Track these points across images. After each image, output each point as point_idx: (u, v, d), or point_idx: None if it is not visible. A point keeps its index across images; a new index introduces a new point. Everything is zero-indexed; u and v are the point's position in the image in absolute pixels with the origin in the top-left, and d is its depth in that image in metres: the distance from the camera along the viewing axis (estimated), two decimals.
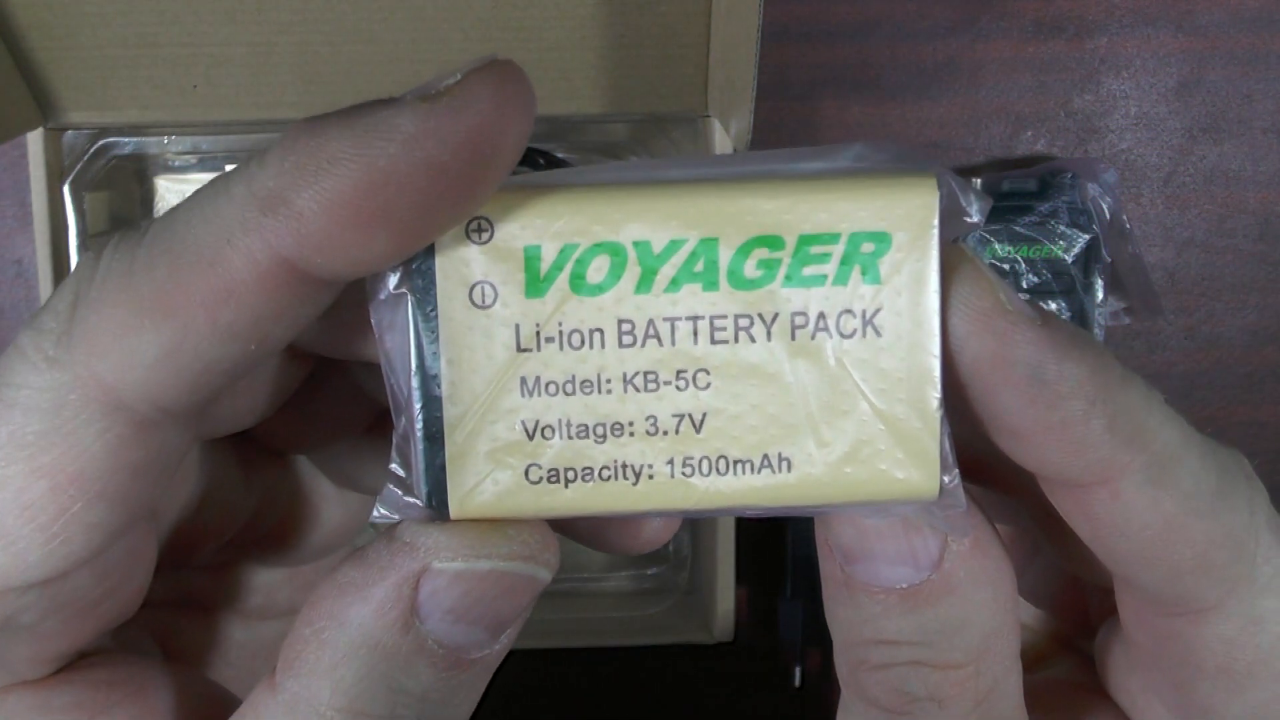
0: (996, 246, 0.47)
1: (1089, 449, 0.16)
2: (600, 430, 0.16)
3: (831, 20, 0.49)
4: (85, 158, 0.45)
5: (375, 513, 0.16)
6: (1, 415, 0.15)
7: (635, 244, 0.15)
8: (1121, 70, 0.50)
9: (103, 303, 0.15)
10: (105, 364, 0.15)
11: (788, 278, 0.15)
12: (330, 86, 0.43)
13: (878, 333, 0.16)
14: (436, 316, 0.16)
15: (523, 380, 0.16)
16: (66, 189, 0.45)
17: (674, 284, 0.15)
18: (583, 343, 0.15)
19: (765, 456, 0.16)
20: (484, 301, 0.16)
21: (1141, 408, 0.17)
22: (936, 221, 0.16)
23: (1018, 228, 0.46)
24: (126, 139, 0.46)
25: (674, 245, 0.15)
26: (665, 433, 0.16)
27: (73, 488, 0.16)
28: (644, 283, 0.15)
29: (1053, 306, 0.47)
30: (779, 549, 0.49)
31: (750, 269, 0.16)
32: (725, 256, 0.15)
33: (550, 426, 0.16)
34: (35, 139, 0.44)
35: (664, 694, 0.53)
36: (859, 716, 0.18)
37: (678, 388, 0.16)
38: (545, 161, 0.44)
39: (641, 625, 0.49)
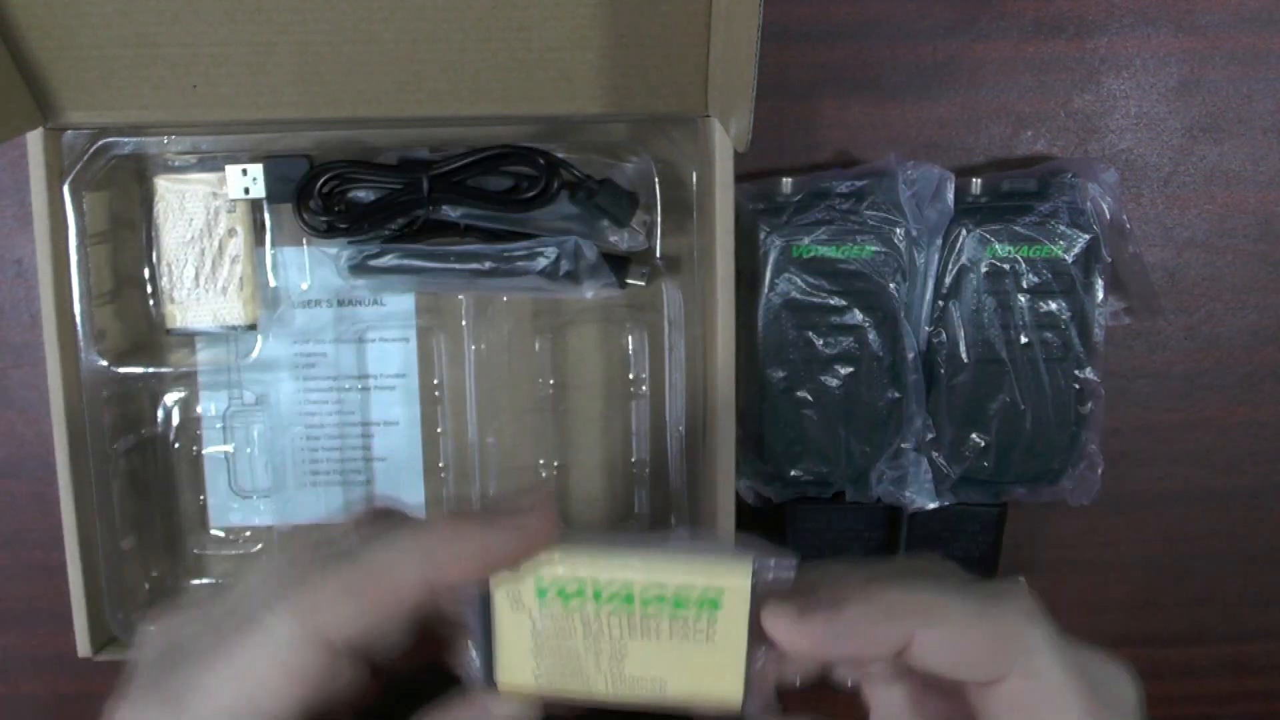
0: (997, 246, 0.47)
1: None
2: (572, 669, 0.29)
3: (831, 20, 0.49)
4: (85, 157, 0.45)
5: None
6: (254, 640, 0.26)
7: (593, 583, 0.28)
8: (1121, 70, 0.50)
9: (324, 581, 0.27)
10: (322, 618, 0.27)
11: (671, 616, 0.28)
12: (330, 86, 0.43)
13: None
14: (491, 613, 0.28)
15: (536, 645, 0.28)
16: (66, 189, 0.45)
17: (610, 601, 0.28)
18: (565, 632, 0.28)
19: (657, 683, 0.29)
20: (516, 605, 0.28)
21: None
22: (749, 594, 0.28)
23: (1018, 228, 0.46)
24: (126, 139, 0.46)
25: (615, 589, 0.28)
26: (606, 675, 0.29)
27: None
28: (595, 598, 0.28)
29: (1053, 306, 0.47)
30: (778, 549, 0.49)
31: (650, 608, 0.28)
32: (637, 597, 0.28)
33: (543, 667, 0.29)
34: (35, 139, 0.44)
35: None
36: None
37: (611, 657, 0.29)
38: (545, 161, 0.44)
39: None
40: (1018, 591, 0.28)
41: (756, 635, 0.28)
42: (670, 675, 0.28)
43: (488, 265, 0.46)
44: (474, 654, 0.29)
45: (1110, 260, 0.47)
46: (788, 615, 0.27)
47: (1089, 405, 0.48)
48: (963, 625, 0.27)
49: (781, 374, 0.47)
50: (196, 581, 0.51)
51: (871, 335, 0.47)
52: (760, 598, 0.27)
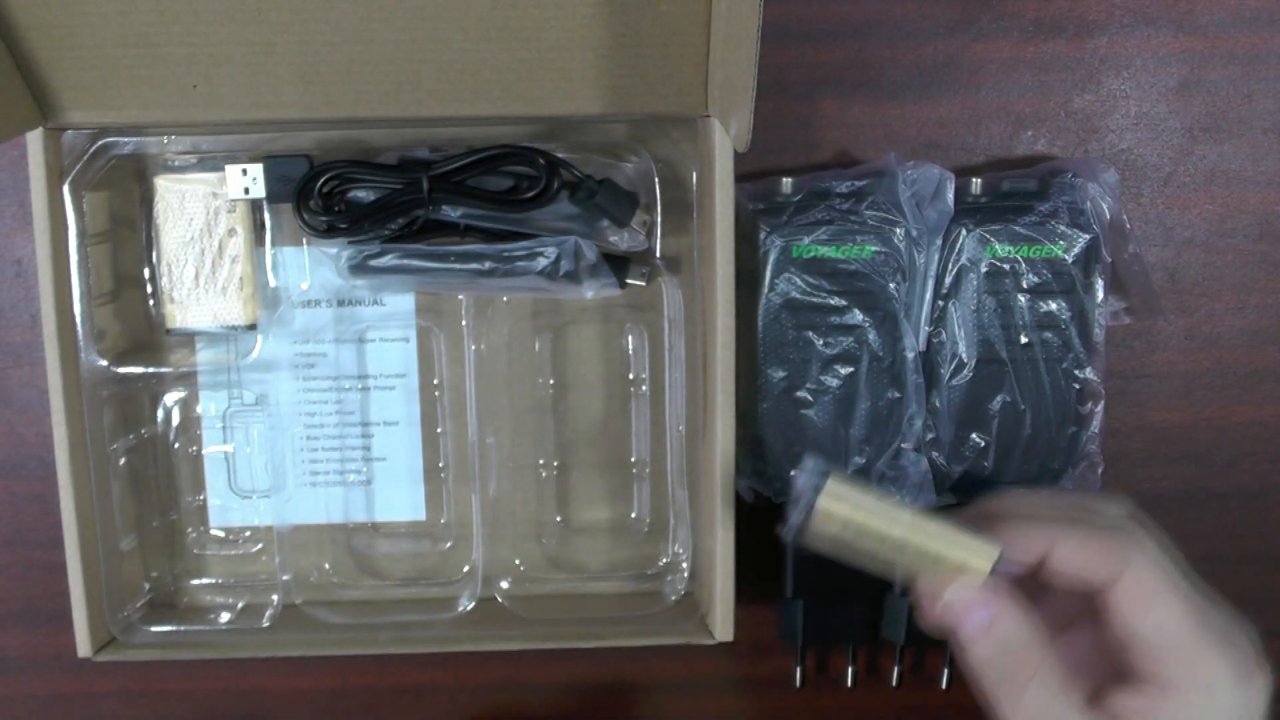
0: (996, 246, 0.46)
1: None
2: None
3: (831, 20, 0.49)
4: (85, 157, 0.45)
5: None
6: None
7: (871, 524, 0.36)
8: (1121, 70, 0.50)
9: None
10: None
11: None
12: (329, 86, 0.43)
13: None
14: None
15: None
16: (66, 189, 0.45)
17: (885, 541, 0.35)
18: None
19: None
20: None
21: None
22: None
23: (1018, 228, 0.46)
24: (126, 139, 0.46)
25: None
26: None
27: None
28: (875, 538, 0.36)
29: (1053, 306, 0.47)
30: (779, 549, 0.49)
31: None
32: None
33: None
34: (35, 139, 0.44)
35: (665, 694, 0.53)
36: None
37: None
38: (545, 161, 0.44)
39: (641, 625, 0.49)
40: (1133, 512, 0.36)
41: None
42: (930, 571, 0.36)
43: (488, 265, 0.46)
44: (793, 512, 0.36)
45: (1110, 260, 0.47)
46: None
47: (1089, 405, 0.48)
48: (1082, 540, 0.34)
49: (781, 374, 0.47)
50: (196, 582, 0.51)
51: (871, 335, 0.47)
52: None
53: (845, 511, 0.35)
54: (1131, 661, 0.34)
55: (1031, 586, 0.36)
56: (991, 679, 0.35)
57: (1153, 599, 0.33)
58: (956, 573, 0.35)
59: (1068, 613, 0.37)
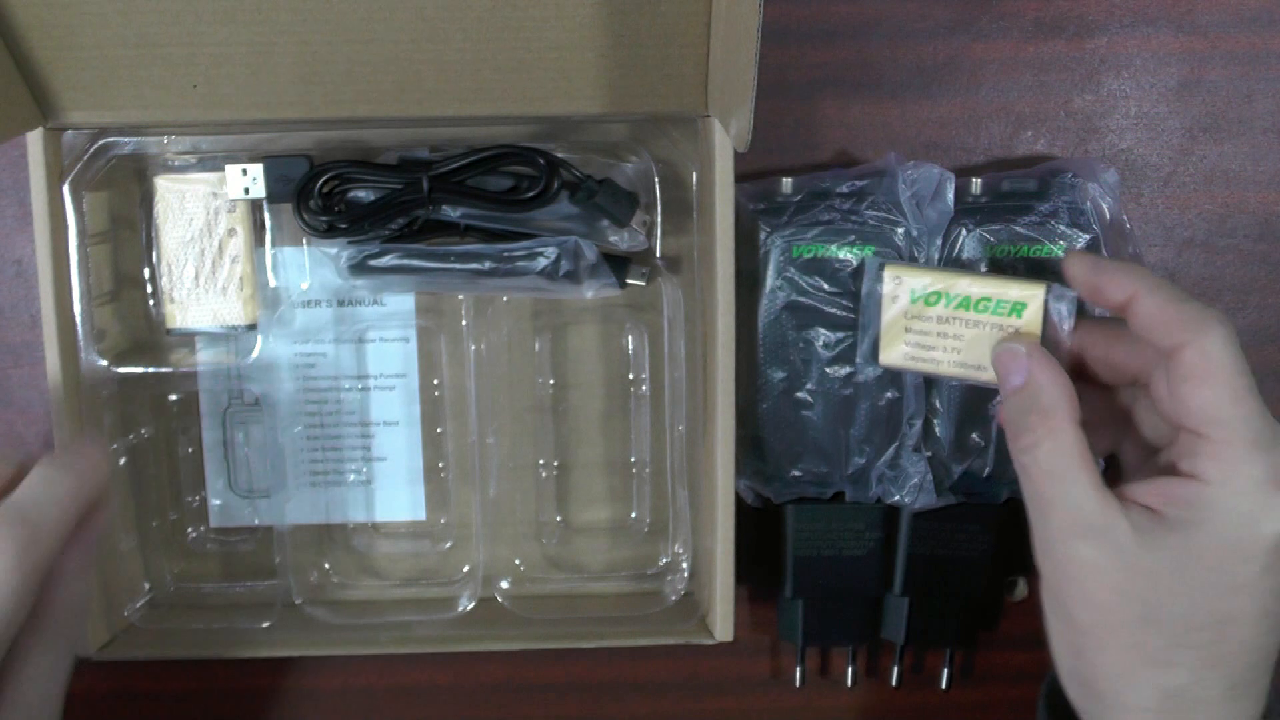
0: (996, 246, 0.46)
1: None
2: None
3: (831, 20, 0.49)
4: (85, 157, 0.45)
5: None
6: None
7: (945, 290, 0.41)
8: (1121, 70, 0.50)
9: None
10: None
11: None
12: (330, 86, 0.43)
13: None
14: (880, 308, 0.43)
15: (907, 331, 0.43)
16: (66, 189, 0.45)
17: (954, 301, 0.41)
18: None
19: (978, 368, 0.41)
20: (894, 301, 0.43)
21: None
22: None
23: (1018, 228, 0.46)
24: (126, 138, 0.46)
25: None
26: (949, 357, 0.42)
27: None
28: (946, 301, 0.42)
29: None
30: (779, 549, 0.49)
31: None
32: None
33: None
34: (35, 139, 0.44)
35: (665, 694, 0.53)
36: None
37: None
38: (545, 161, 0.44)
39: (641, 625, 0.49)
40: (1214, 309, 0.35)
41: (1046, 333, 0.40)
42: (987, 359, 0.40)
43: (488, 265, 0.45)
44: (864, 340, 0.44)
45: None
46: (1078, 254, 0.38)
47: None
48: (1173, 298, 0.35)
49: (781, 374, 0.47)
50: (197, 582, 0.51)
51: None
52: (1047, 308, 0.39)
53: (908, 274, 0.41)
54: (1167, 446, 0.35)
55: (1094, 360, 0.38)
56: (1012, 435, 0.36)
57: (1215, 373, 0.33)
58: (1012, 329, 0.39)
59: (1116, 405, 0.39)
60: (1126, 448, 0.40)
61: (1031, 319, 0.39)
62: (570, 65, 0.43)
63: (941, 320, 0.42)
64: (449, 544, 0.51)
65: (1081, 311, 0.39)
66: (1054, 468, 0.35)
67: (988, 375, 0.40)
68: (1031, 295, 0.39)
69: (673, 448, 0.49)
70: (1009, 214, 0.47)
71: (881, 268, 0.42)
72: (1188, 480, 0.34)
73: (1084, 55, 0.49)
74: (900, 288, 0.42)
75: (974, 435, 0.48)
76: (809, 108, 0.49)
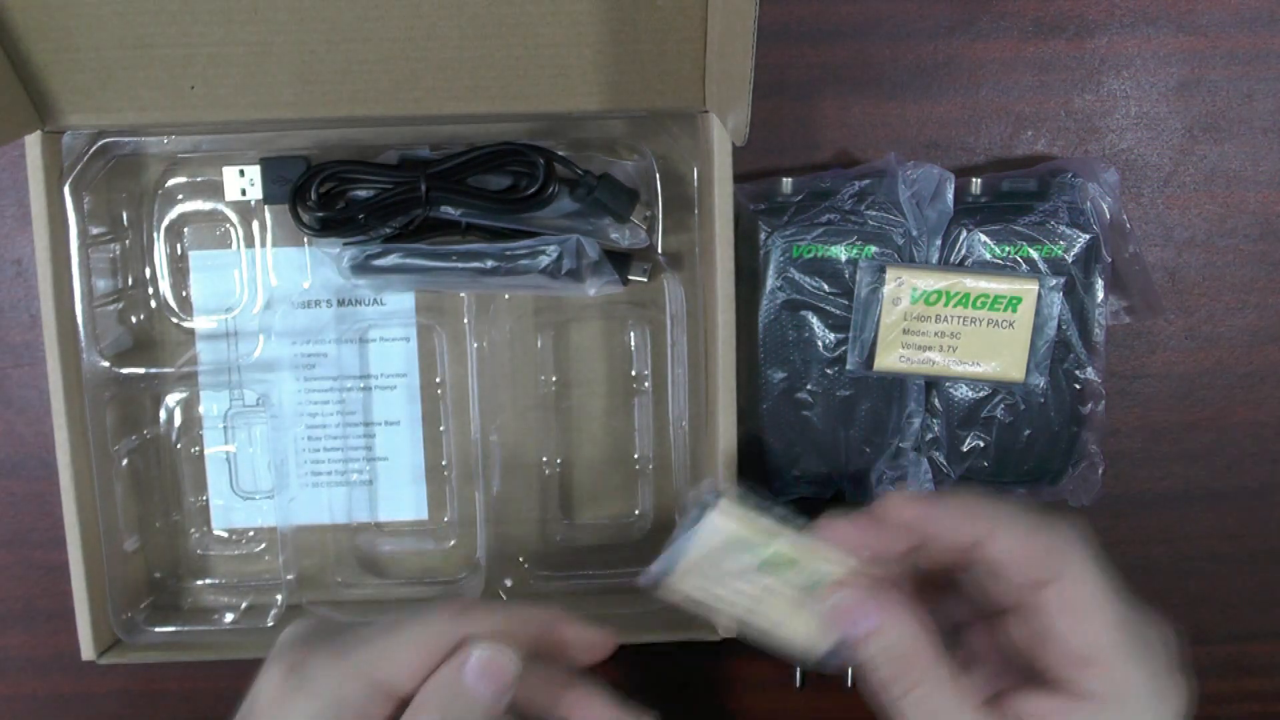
0: (996, 247, 0.46)
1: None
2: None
3: (832, 20, 0.48)
4: (85, 158, 0.44)
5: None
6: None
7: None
8: (1122, 70, 0.49)
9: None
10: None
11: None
12: (327, 86, 0.42)
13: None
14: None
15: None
16: (66, 189, 0.44)
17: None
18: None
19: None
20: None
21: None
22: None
23: (1018, 227, 0.45)
24: (126, 139, 0.44)
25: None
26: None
27: None
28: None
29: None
30: None
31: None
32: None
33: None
34: (34, 141, 0.42)
35: (665, 693, 0.52)
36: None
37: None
38: (544, 160, 0.43)
39: (642, 624, 0.48)
40: (1073, 522, 0.34)
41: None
42: (984, 357, 0.41)
43: (490, 264, 0.45)
44: (855, 346, 0.41)
45: (1110, 260, 0.46)
46: (908, 495, 0.35)
47: (1089, 405, 0.47)
48: (1026, 533, 0.33)
49: (782, 374, 0.46)
50: (200, 582, 0.50)
51: None
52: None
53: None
54: (1048, 665, 0.33)
55: (939, 580, 0.36)
56: (882, 682, 0.33)
57: (1087, 607, 0.32)
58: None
59: (973, 609, 0.36)
60: (954, 606, 0.37)
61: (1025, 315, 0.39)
62: (568, 62, 0.42)
63: (940, 320, 0.40)
64: (452, 542, 0.50)
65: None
66: (933, 710, 0.33)
67: (981, 371, 0.40)
68: (1027, 290, 0.38)
69: (675, 444, 0.48)
70: (1009, 214, 0.46)
71: (882, 270, 0.41)
72: (1080, 698, 0.32)
73: (1084, 55, 0.48)
74: (902, 289, 0.40)
75: (974, 435, 0.47)
76: (809, 108, 0.48)
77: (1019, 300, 0.39)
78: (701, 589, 0.37)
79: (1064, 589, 0.32)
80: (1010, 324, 0.41)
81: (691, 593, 0.37)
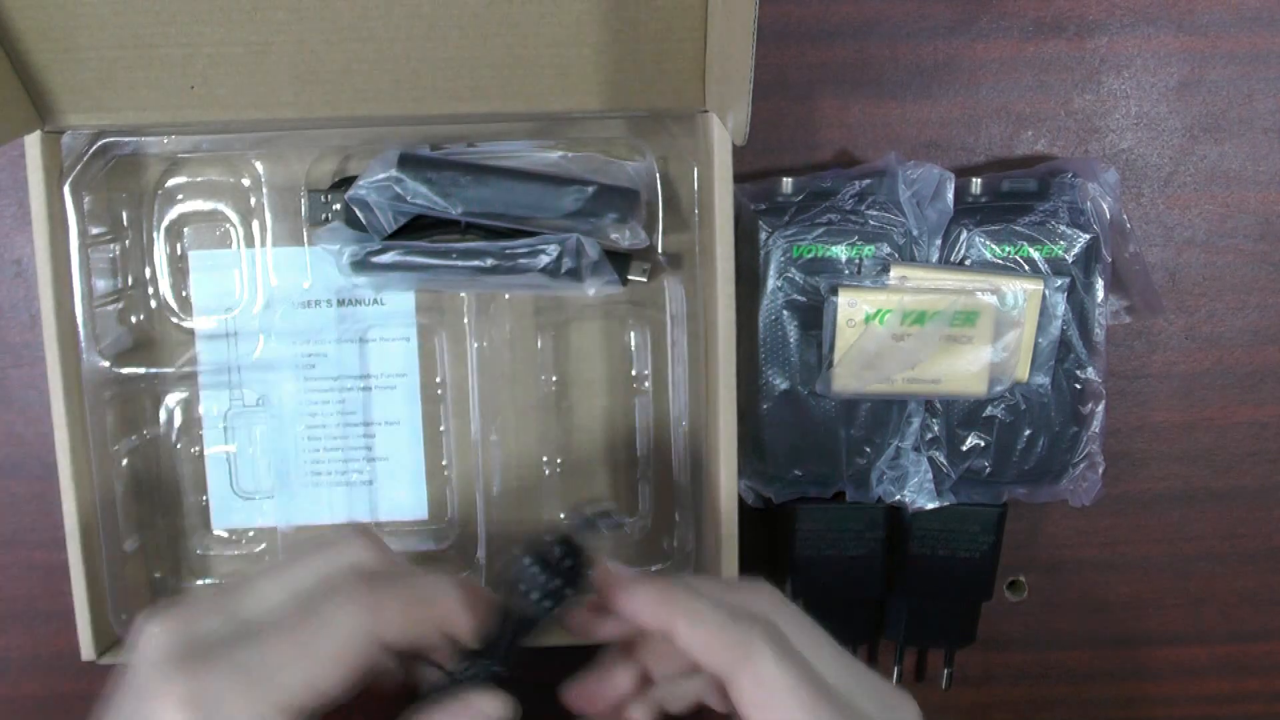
0: (996, 247, 0.45)
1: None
2: None
3: (831, 20, 0.48)
4: (85, 158, 0.44)
5: None
6: None
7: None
8: (1122, 70, 0.49)
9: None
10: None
11: None
12: (327, 85, 0.42)
13: None
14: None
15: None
16: (67, 189, 0.43)
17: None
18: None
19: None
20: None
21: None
22: None
23: (1018, 227, 0.45)
24: (126, 139, 0.44)
25: None
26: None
27: None
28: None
29: None
30: (780, 549, 0.49)
31: None
32: None
33: None
34: (33, 142, 0.42)
35: None
36: None
37: None
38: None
39: None
40: (768, 609, 0.34)
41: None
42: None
43: (490, 263, 0.44)
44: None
45: (1110, 260, 0.46)
46: (605, 571, 0.35)
47: (1089, 405, 0.47)
48: (708, 630, 0.33)
49: (782, 374, 0.46)
50: (201, 582, 0.50)
51: None
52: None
53: None
54: None
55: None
56: None
57: (768, 704, 0.32)
58: None
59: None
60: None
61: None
62: (568, 61, 0.42)
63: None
64: (451, 542, 0.50)
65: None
66: None
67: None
68: (1032, 289, 0.38)
69: (676, 444, 0.48)
70: (1009, 214, 0.45)
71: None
72: None
73: (1084, 55, 0.48)
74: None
75: (974, 435, 0.47)
76: (809, 107, 0.48)
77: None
78: (866, 378, 0.41)
79: (744, 686, 0.33)
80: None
81: (859, 385, 0.41)
